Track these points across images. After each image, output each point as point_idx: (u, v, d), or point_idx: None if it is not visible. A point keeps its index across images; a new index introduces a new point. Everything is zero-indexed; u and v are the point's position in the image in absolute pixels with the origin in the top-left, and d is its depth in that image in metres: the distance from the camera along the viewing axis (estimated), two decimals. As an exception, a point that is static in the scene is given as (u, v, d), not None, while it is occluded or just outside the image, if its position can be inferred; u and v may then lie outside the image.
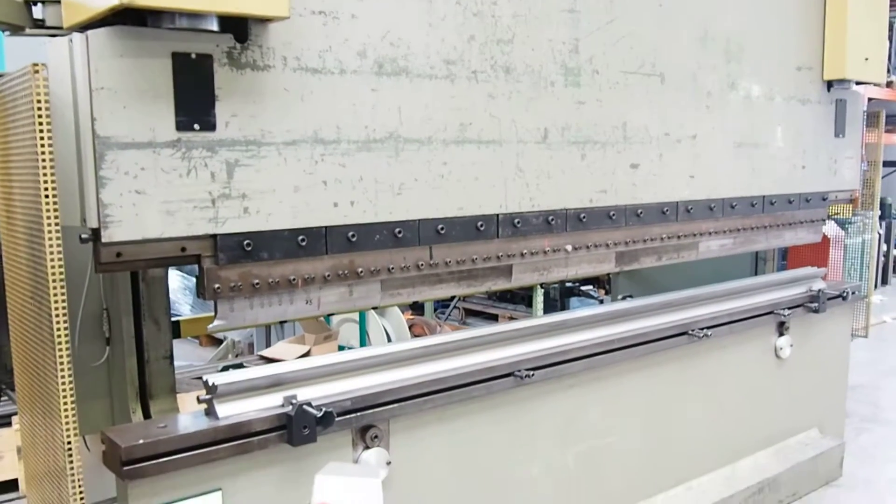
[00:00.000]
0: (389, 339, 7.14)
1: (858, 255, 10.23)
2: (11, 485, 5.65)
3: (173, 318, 5.70)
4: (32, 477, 3.32)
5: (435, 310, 10.90)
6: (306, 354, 6.95)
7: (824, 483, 5.76)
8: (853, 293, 5.85)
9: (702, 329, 4.74)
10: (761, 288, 5.45)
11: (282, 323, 8.14)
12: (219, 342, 9.64)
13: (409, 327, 8.22)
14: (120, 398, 3.46)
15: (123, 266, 2.82)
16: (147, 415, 3.40)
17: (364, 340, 7.29)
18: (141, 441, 2.80)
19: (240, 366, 5.42)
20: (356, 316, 7.42)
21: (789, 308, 5.40)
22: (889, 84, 12.54)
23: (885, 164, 10.92)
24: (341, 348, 7.16)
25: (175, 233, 2.82)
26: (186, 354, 9.54)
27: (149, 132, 2.72)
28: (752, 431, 5.42)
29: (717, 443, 5.17)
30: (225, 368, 5.31)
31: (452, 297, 10.89)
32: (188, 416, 3.07)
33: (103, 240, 2.67)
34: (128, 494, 2.82)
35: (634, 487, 4.67)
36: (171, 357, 3.47)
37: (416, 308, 10.08)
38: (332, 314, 6.49)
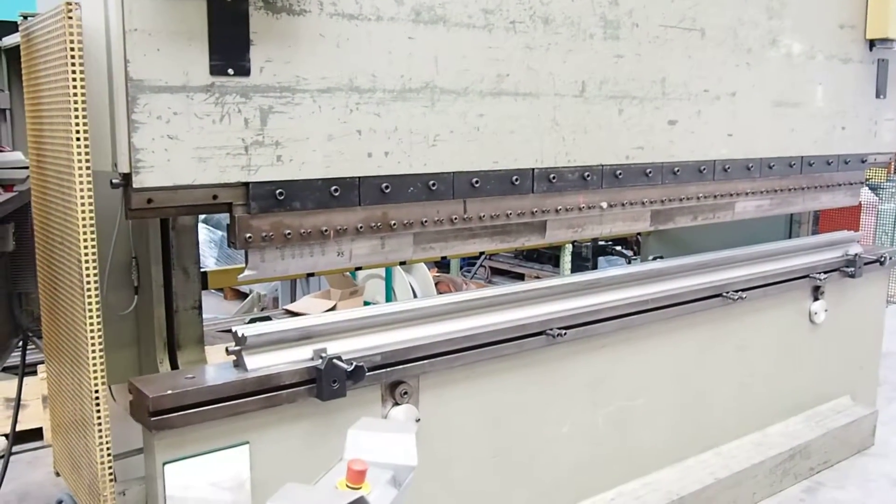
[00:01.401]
0: (415, 296, 7.13)
1: (891, 221, 10.13)
2: (36, 433, 5.70)
3: (210, 268, 5.72)
4: (58, 426, 3.33)
5: (461, 268, 10.87)
6: (331, 310, 6.95)
7: (856, 451, 5.72)
8: (890, 258, 5.77)
9: (736, 291, 4.70)
10: (797, 251, 5.38)
11: (308, 277, 8.16)
12: (243, 296, 9.67)
13: (435, 285, 8.21)
14: (147, 348, 3.45)
15: (154, 213, 2.80)
16: (174, 365, 3.39)
17: (390, 297, 7.28)
18: (169, 392, 2.79)
19: (267, 319, 5.41)
20: (382, 272, 7.41)
21: (825, 272, 5.34)
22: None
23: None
24: (367, 304, 7.15)
25: (207, 180, 2.79)
26: (211, 308, 9.58)
27: (182, 76, 2.68)
28: (783, 397, 5.39)
29: (748, 408, 5.14)
30: (252, 321, 5.31)
31: (479, 255, 10.87)
32: (216, 368, 3.06)
33: (134, 185, 2.65)
34: (154, 445, 2.82)
35: (663, 450, 4.65)
36: (200, 307, 3.44)
37: (443, 266, 10.06)
38: (361, 268, 6.49)
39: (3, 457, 4.19)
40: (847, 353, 5.79)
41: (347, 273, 7.55)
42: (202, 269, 5.28)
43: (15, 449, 4.37)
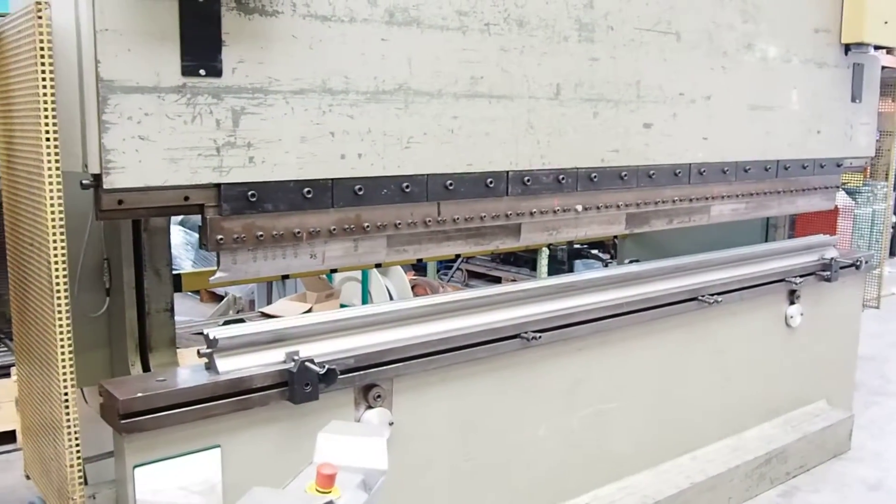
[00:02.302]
0: (392, 299, 7.13)
1: (868, 225, 10.18)
2: (10, 436, 5.67)
3: (174, 272, 5.69)
4: (28, 429, 3.32)
5: (438, 270, 10.87)
6: (307, 312, 6.94)
7: (832, 456, 5.78)
8: (866, 262, 5.83)
9: (712, 295, 4.73)
10: (773, 255, 5.42)
11: (283, 280, 8.14)
12: (219, 298, 9.64)
13: (412, 288, 8.21)
14: (119, 350, 3.45)
15: (125, 214, 2.81)
16: (146, 368, 3.39)
17: (366, 299, 7.28)
18: (139, 394, 2.80)
19: (240, 321, 5.39)
20: (359, 275, 7.40)
21: (801, 276, 5.38)
22: (900, 51, 12.43)
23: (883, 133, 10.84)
24: (343, 307, 7.15)
25: (178, 181, 2.79)
26: (187, 310, 9.54)
27: (154, 76, 2.69)
28: (759, 401, 5.42)
29: (724, 412, 5.18)
30: (226, 324, 5.30)
31: (456, 258, 10.86)
32: (188, 370, 3.07)
33: (105, 186, 2.65)
34: (124, 448, 2.82)
35: (640, 454, 4.68)
36: (172, 309, 3.45)
37: (419, 268, 10.05)
38: (336, 271, 6.48)
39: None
40: (823, 357, 5.83)
41: (323, 276, 7.54)
42: (176, 272, 5.28)
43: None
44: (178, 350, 3.55)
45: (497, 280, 10.85)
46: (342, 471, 2.15)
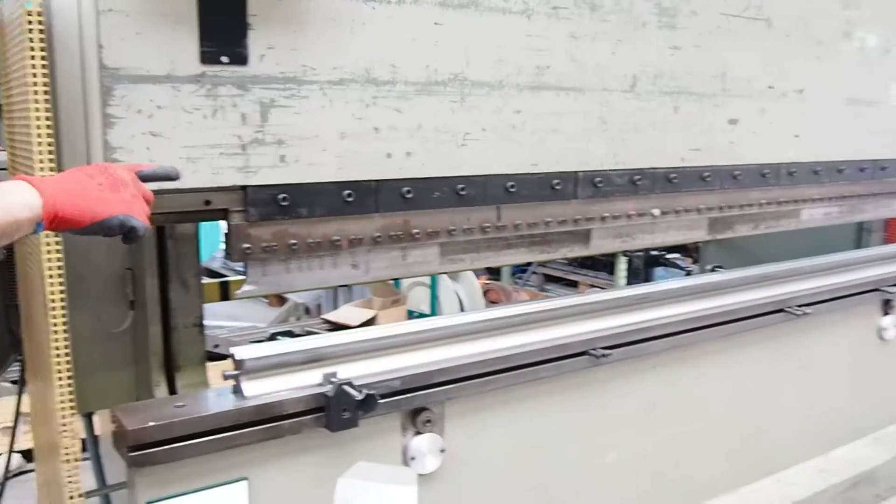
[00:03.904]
0: (462, 305, 6.69)
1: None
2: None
3: (234, 278, 5.35)
4: (39, 450, 2.95)
5: (513, 274, 10.41)
6: (373, 319, 6.54)
7: (926, 477, 5.18)
8: (966, 270, 5.22)
9: (800, 306, 4.18)
10: (866, 262, 4.84)
11: (349, 285, 7.77)
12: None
13: (484, 293, 7.75)
14: (144, 370, 3.06)
15: (136, 220, 2.38)
16: (172, 389, 2.99)
17: (435, 305, 6.84)
18: (152, 423, 2.37)
19: (288, 333, 5.00)
20: (427, 280, 6.97)
21: (896, 285, 4.81)
22: None
23: None
24: (410, 313, 6.73)
25: (198, 183, 2.37)
26: (251, 315, 9.17)
27: (167, 64, 2.26)
28: (849, 418, 4.86)
29: (812, 430, 4.62)
30: (273, 336, 4.90)
31: (530, 262, 10.42)
32: (211, 394, 2.63)
33: (111, 189, 2.23)
34: (135, 482, 2.40)
35: (719, 478, 4.15)
36: (202, 324, 3.03)
37: (493, 272, 9.61)
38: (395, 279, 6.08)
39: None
40: (918, 371, 5.24)
41: (390, 280, 7.13)
42: (226, 279, 4.89)
43: (27, 467, 4.03)
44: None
45: (574, 284, 10.35)
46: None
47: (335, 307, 7.76)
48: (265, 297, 10.00)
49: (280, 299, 9.74)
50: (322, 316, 7.25)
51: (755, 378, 4.23)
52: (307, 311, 8.50)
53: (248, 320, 8.22)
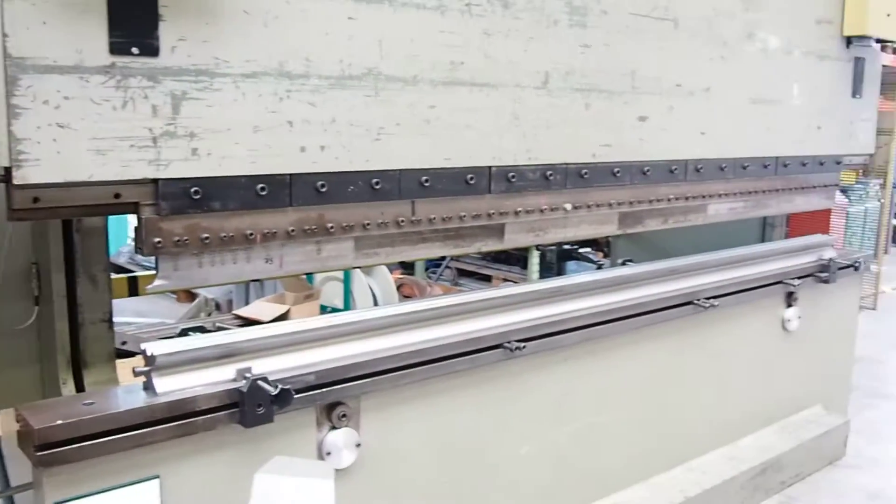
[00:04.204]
0: (376, 299, 6.65)
1: (861, 224, 9.79)
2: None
3: (142, 273, 5.24)
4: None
5: (426, 269, 10.40)
6: (285, 314, 6.46)
7: (828, 463, 5.34)
8: (864, 263, 5.39)
9: (708, 299, 4.27)
10: (770, 256, 4.97)
11: (261, 280, 7.66)
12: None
13: (398, 287, 7.72)
14: (51, 367, 2.97)
15: (43, 213, 2.31)
16: (80, 387, 2.91)
17: (348, 300, 6.79)
18: (59, 422, 2.31)
19: (201, 328, 4.91)
20: (340, 274, 6.91)
21: (799, 278, 4.93)
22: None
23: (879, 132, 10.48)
24: (324, 308, 6.67)
25: (107, 175, 2.31)
26: (161, 311, 8.98)
27: (75, 54, 2.21)
28: (755, 408, 4.98)
29: (720, 420, 4.73)
30: (184, 332, 4.81)
31: (444, 257, 10.41)
32: (121, 392, 2.58)
33: (16, 181, 2.17)
34: (43, 483, 2.33)
35: (632, 467, 4.23)
36: (111, 320, 2.96)
37: (406, 267, 9.58)
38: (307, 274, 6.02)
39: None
40: (820, 361, 5.40)
41: (303, 276, 7.04)
42: (134, 274, 4.79)
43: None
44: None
45: (487, 279, 10.36)
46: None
47: (247, 303, 7.63)
48: (173, 292, 9.82)
49: (189, 295, 9.54)
50: (233, 311, 7.13)
51: (665, 369, 4.31)
52: (217, 306, 8.36)
53: (155, 317, 8.04)
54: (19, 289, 2.87)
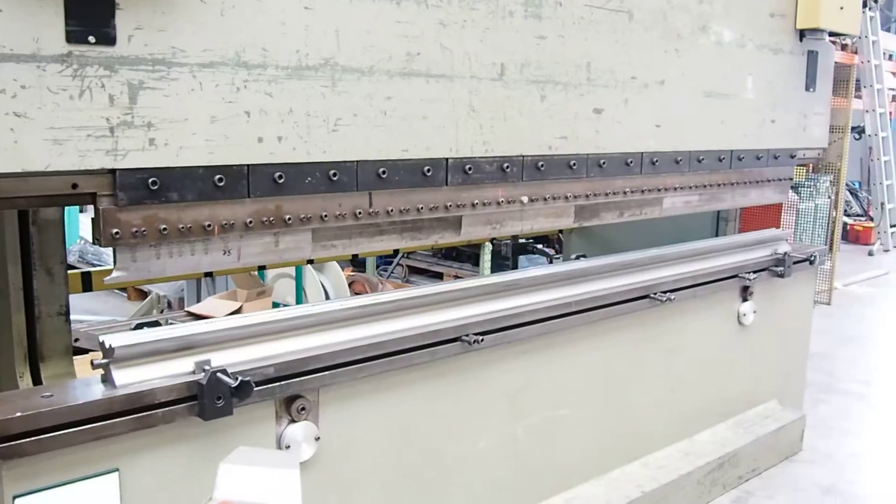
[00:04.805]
0: (328, 297, 6.72)
1: (811, 220, 10.04)
2: None
3: (94, 269, 5.23)
4: None
5: (377, 266, 10.48)
6: (238, 311, 6.51)
7: (784, 458, 5.49)
8: (819, 257, 5.55)
9: (665, 292, 4.40)
10: (726, 249, 5.12)
11: (211, 277, 7.69)
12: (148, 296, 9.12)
13: (349, 284, 7.79)
14: (7, 361, 3.00)
15: (0, 204, 2.36)
16: (37, 380, 2.95)
17: (300, 297, 6.86)
18: (18, 414, 2.36)
19: (156, 324, 4.94)
20: (292, 271, 6.97)
21: (754, 272, 5.08)
22: (844, 47, 12.36)
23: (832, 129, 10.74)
24: (276, 305, 6.72)
25: (64, 165, 2.37)
26: (111, 309, 9.00)
27: (31, 43, 2.26)
28: (711, 403, 5.12)
29: (676, 414, 4.86)
30: (139, 326, 4.84)
31: (395, 254, 10.48)
32: (80, 384, 2.64)
33: (-29, 171, 2.22)
34: (2, 477, 2.38)
35: (588, 462, 4.34)
36: (67, 313, 3.00)
37: (357, 264, 9.65)
38: (265, 267, 6.07)
39: None
40: (775, 356, 5.56)
41: (254, 272, 7.09)
42: (88, 269, 4.80)
43: None
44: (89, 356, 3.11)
45: (439, 276, 10.48)
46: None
47: (198, 300, 7.67)
48: (123, 290, 9.81)
49: (140, 293, 9.56)
50: (186, 309, 7.17)
51: (622, 363, 4.42)
52: (169, 304, 8.39)
53: (107, 315, 8.06)
54: (-25, 282, 2.91)
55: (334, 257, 5.49)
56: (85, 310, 7.87)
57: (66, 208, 3.13)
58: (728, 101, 4.60)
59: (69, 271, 3.15)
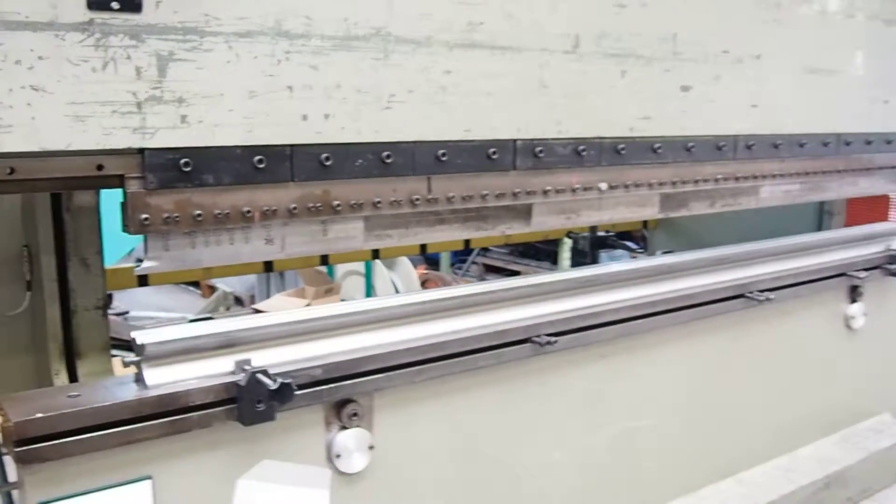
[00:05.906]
0: (398, 296, 6.69)
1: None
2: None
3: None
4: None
5: (452, 265, 10.43)
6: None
7: (899, 478, 5.25)
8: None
9: (762, 291, 4.21)
10: (832, 245, 4.90)
11: (280, 273, 7.74)
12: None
13: (422, 283, 7.74)
14: (43, 356, 2.97)
15: (19, 187, 2.31)
16: (73, 377, 2.90)
17: (370, 295, 6.83)
18: (38, 415, 2.30)
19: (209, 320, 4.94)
20: (362, 268, 6.96)
21: (864, 270, 4.86)
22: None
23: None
24: (344, 304, 6.71)
25: (87, 144, 2.28)
26: (185, 306, 9.08)
27: (49, 10, 2.18)
28: (815, 414, 4.92)
29: (775, 427, 4.67)
30: (192, 321, 4.84)
31: (470, 251, 10.40)
32: (110, 384, 2.57)
33: (-13, 150, 2.15)
34: (25, 481, 2.33)
35: (675, 478, 4.19)
36: (105, 307, 2.95)
37: (431, 262, 9.61)
38: (326, 263, 6.03)
39: None
40: (887, 364, 5.32)
41: (323, 269, 7.09)
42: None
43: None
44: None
45: (515, 274, 10.38)
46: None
47: (268, 297, 7.71)
48: (197, 286, 9.89)
49: (210, 289, 9.62)
50: (253, 306, 7.20)
51: (713, 369, 4.26)
52: (237, 300, 8.46)
53: (178, 311, 8.16)
54: (11, 273, 2.88)
55: (389, 247, 5.41)
56: (158, 306, 7.98)
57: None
58: (834, 78, 4.38)
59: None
